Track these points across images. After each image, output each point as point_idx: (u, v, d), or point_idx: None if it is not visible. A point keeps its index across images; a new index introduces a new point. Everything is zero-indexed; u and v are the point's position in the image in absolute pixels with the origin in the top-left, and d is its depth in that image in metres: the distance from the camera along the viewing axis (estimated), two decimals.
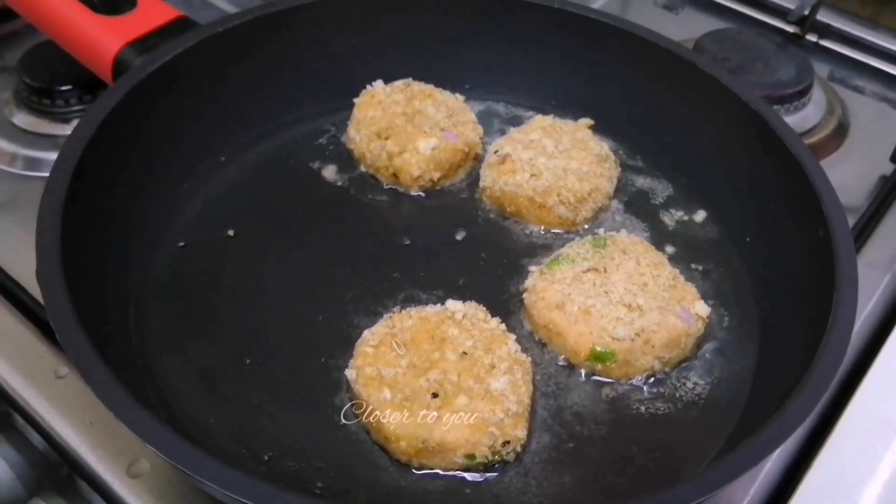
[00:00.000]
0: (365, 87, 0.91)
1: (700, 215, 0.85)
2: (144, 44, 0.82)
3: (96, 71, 0.84)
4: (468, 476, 0.65)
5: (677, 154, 0.89)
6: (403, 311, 0.71)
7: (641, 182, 0.89)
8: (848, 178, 0.96)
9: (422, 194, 0.86)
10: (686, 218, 0.85)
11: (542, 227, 0.83)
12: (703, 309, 0.73)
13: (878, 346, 0.78)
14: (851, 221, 0.82)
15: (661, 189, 0.88)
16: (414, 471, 0.64)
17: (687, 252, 0.82)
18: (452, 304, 0.71)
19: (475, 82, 0.96)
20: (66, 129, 0.94)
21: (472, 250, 0.81)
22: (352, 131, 0.89)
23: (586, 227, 0.84)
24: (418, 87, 0.91)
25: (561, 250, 0.78)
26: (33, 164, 0.93)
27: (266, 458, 0.64)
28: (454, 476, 0.64)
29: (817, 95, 1.07)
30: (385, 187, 0.87)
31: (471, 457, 0.63)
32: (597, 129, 0.91)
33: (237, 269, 0.78)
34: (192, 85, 0.82)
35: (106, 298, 0.69)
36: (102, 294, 0.69)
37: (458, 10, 0.93)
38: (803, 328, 0.66)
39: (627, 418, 0.69)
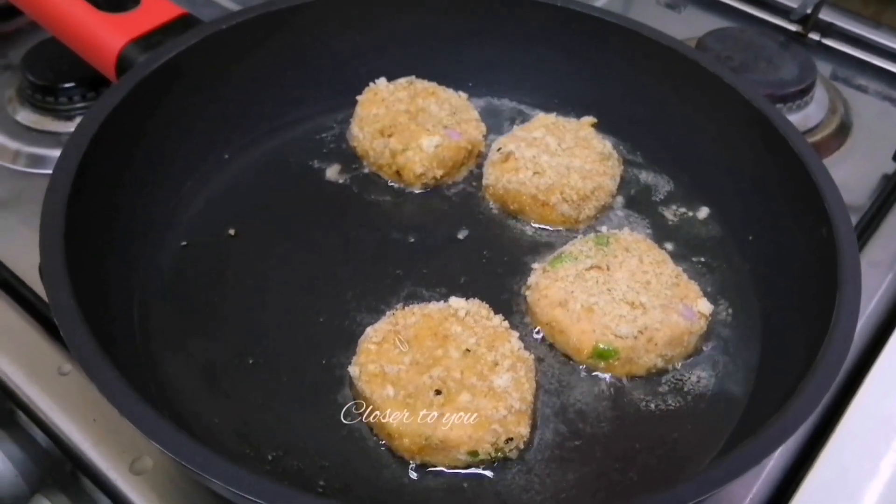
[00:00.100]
0: (368, 85, 0.91)
1: (703, 213, 0.86)
2: (148, 41, 0.82)
3: (100, 68, 0.85)
4: (471, 473, 0.65)
5: (680, 152, 0.89)
6: (406, 309, 0.72)
7: (644, 180, 0.89)
8: (850, 176, 0.96)
9: (425, 192, 0.86)
10: (688, 216, 0.86)
11: (545, 225, 0.84)
12: (705, 307, 0.73)
13: (881, 345, 0.78)
14: (854, 220, 0.82)
15: (663, 187, 0.88)
16: (417, 468, 0.65)
17: (689, 250, 0.82)
18: (455, 302, 0.71)
19: (478, 80, 0.96)
20: (70, 127, 0.95)
21: (475, 248, 0.81)
22: (355, 129, 0.89)
23: (589, 224, 0.84)
24: (421, 84, 0.91)
25: (564, 248, 0.78)
26: (37, 161, 0.93)
27: (270, 457, 0.64)
28: (457, 473, 0.64)
29: (819, 94, 1.07)
30: (388, 185, 0.87)
31: (474, 454, 0.63)
32: (599, 126, 0.91)
33: (240, 266, 0.78)
34: (195, 83, 0.82)
35: (109, 296, 0.69)
36: (106, 292, 0.69)
37: (461, 8, 0.93)
38: (806, 327, 0.66)
39: (630, 416, 0.69)
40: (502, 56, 0.95)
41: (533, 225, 0.84)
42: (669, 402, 0.70)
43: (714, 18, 1.23)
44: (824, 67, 1.15)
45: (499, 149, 0.86)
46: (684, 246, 0.82)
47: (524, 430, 0.65)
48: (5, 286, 0.79)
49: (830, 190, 0.72)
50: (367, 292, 0.76)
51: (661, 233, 0.84)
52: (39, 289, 0.70)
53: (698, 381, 0.72)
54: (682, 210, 0.86)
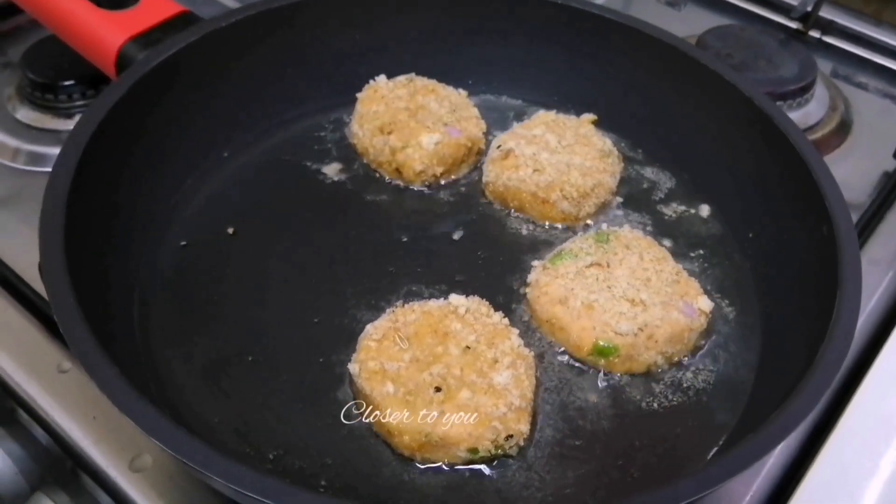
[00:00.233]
0: (368, 83, 0.91)
1: (703, 211, 0.85)
2: (147, 38, 0.82)
3: (99, 66, 0.84)
4: (471, 470, 0.65)
5: (680, 150, 0.89)
6: (406, 306, 0.71)
7: (645, 177, 0.89)
8: (850, 174, 0.96)
9: (424, 189, 0.86)
10: (689, 213, 0.85)
11: (545, 222, 0.84)
12: (705, 304, 0.73)
13: (881, 343, 0.78)
14: (854, 218, 0.82)
15: (663, 184, 0.88)
16: (417, 465, 0.65)
17: (689, 247, 0.82)
18: (455, 299, 0.71)
19: (478, 77, 0.96)
20: (69, 125, 0.95)
21: (475, 245, 0.81)
22: (355, 126, 0.89)
23: (589, 222, 0.84)
24: (421, 82, 0.91)
25: (564, 245, 0.78)
26: (36, 159, 0.93)
27: (271, 456, 0.64)
28: (457, 470, 0.64)
29: (820, 92, 1.07)
30: (388, 182, 0.87)
31: (474, 451, 0.63)
32: (600, 124, 0.91)
33: (240, 264, 0.78)
34: (194, 80, 0.82)
35: (109, 294, 0.69)
36: (106, 290, 0.69)
37: (461, 6, 0.93)
38: (806, 325, 0.66)
39: (630, 413, 0.69)
40: (502, 53, 0.95)
41: (533, 222, 0.84)
42: (670, 399, 0.70)
43: (714, 16, 1.23)
44: (825, 65, 1.15)
45: (499, 146, 0.86)
46: (684, 243, 0.82)
47: (524, 427, 0.65)
48: (5, 284, 0.79)
49: (831, 188, 0.72)
50: (367, 290, 0.76)
51: (661, 230, 0.84)
52: (39, 287, 0.70)
53: (698, 379, 0.72)
54: (683, 207, 0.86)
